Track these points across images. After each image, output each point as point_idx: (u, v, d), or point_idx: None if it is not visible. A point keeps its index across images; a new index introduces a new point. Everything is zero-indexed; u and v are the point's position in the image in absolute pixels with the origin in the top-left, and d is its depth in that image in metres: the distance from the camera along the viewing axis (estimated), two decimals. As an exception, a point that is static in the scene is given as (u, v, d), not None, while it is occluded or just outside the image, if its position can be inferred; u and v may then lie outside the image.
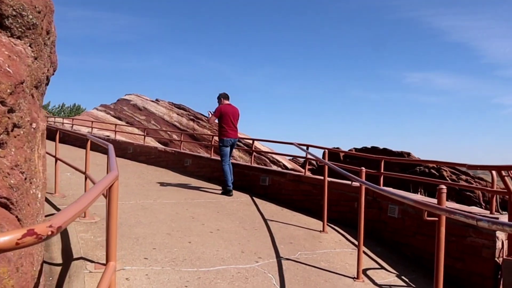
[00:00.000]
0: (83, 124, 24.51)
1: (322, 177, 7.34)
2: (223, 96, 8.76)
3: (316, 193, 7.53)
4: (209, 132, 27.76)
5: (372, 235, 6.42)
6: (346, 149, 51.61)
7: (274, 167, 25.74)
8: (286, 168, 25.43)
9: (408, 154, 47.94)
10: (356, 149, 50.58)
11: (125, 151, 15.03)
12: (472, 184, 23.08)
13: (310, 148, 8.23)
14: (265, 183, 8.78)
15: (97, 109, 32.39)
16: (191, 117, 31.32)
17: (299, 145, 8.08)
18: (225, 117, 8.47)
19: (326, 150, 6.56)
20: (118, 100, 33.62)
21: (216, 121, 8.66)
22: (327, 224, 6.64)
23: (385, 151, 47.71)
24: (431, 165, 46.50)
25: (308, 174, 8.13)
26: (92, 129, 21.04)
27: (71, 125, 24.80)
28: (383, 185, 7.09)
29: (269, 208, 7.81)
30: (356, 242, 5.39)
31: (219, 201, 8.09)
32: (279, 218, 7.09)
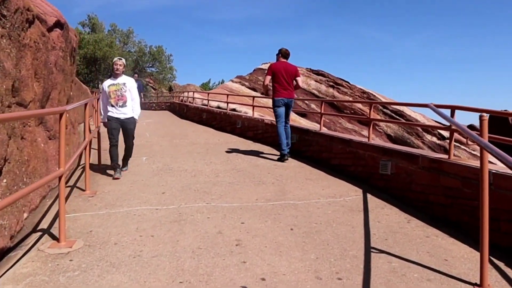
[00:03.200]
0: (214, 98, 23.10)
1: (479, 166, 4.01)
2: (280, 53, 8.02)
3: (470, 194, 4.14)
4: (350, 99, 24.47)
5: None
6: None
7: (428, 137, 21.27)
8: (443, 138, 20.72)
9: None
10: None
11: (234, 125, 12.80)
12: None
13: (457, 112, 4.70)
14: (386, 171, 5.55)
15: (232, 81, 31.00)
16: (331, 83, 28.13)
17: (436, 108, 4.67)
18: (277, 75, 7.80)
19: (485, 116, 3.08)
20: (254, 70, 31.79)
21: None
22: (490, 261, 3.32)
23: None
24: None
25: (455, 159, 4.65)
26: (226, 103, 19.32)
27: (201, 99, 23.62)
28: None
29: (386, 218, 4.64)
30: None
31: (309, 204, 5.16)
32: (398, 242, 3.91)
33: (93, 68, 40.36)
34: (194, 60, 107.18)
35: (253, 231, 4.18)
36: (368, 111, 22.60)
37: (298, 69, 8.24)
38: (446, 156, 4.73)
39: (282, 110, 7.88)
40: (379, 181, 5.75)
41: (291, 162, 7.80)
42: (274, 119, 8.21)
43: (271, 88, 8.06)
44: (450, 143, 4.68)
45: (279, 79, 7.77)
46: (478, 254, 3.57)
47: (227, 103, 14.62)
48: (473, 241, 3.91)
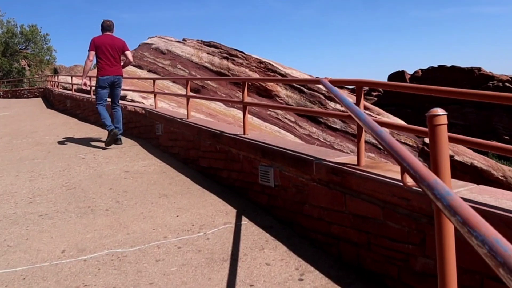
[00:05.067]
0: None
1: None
2: (102, 26, 7.03)
3: (400, 233, 2.40)
4: (248, 71, 22.70)
5: None
6: (411, 72, 47.38)
7: (331, 105, 20.02)
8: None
9: (479, 69, 42.53)
10: (422, 70, 45.81)
11: (98, 114, 10.36)
12: None
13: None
14: (268, 181, 3.72)
15: (114, 59, 27.76)
16: (224, 55, 26.08)
17: (332, 87, 2.86)
18: (101, 49, 6.82)
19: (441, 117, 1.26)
20: (139, 45, 28.61)
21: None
22: None
23: (453, 69, 42.80)
24: (504, 78, 40.36)
25: (369, 164, 2.84)
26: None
27: (74, 84, 20.42)
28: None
29: (266, 273, 2.78)
30: None
31: (145, 252, 3.18)
32: None
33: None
34: (87, 38, 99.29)
35: None
36: (271, 85, 20.87)
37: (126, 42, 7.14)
38: (354, 160, 2.95)
39: (106, 92, 7.04)
40: (260, 195, 3.91)
41: (151, 166, 5.75)
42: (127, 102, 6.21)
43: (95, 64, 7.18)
44: (358, 143, 2.90)
45: (104, 55, 6.82)
46: None
47: (90, 87, 12.03)
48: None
